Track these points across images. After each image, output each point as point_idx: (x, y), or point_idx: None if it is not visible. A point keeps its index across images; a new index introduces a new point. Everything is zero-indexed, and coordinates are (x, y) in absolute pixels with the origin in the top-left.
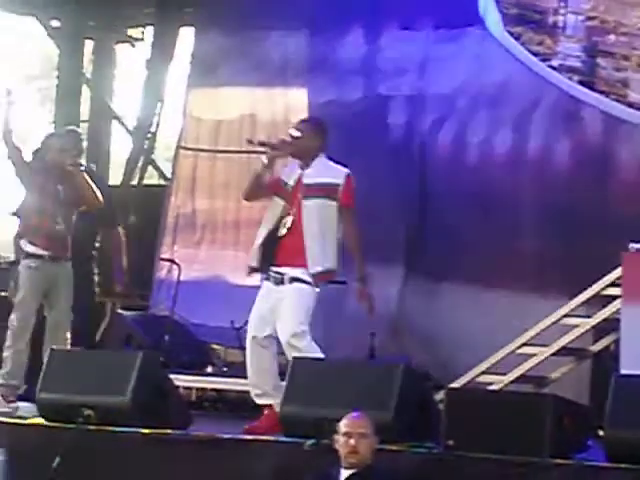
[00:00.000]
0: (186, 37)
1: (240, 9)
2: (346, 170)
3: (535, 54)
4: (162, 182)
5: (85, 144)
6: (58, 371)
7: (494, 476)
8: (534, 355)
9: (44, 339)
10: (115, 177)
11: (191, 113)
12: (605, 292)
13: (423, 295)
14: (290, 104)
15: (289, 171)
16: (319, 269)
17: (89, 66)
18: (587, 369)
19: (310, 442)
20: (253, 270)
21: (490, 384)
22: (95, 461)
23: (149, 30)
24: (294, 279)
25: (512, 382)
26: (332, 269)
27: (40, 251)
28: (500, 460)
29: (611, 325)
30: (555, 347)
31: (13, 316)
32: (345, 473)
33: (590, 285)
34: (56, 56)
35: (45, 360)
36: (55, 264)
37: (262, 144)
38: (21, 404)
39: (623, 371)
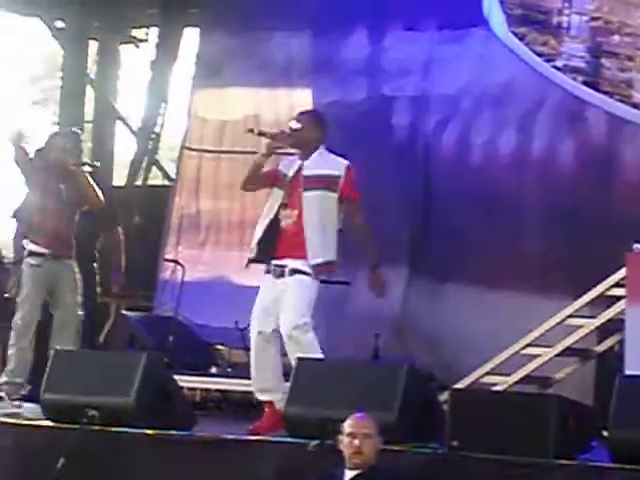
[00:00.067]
0: (190, 38)
1: (244, 10)
2: (346, 162)
3: (539, 54)
4: (166, 183)
5: (89, 145)
6: (62, 372)
7: (498, 477)
8: (538, 356)
9: (50, 338)
10: (119, 177)
11: (196, 114)
12: (609, 293)
13: (427, 296)
14: (294, 105)
15: (288, 162)
16: (319, 261)
17: (93, 67)
18: (591, 370)
19: (314, 443)
20: (252, 261)
21: (494, 385)
22: (99, 462)
23: (153, 31)
24: (295, 271)
25: (516, 383)
26: (332, 261)
27: (42, 249)
28: (504, 461)
29: (615, 326)
30: (559, 348)
31: (17, 314)
32: (349, 474)
33: (594, 286)
34: (60, 57)
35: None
36: (57, 262)
37: (262, 134)
38: (25, 405)
39: (627, 372)
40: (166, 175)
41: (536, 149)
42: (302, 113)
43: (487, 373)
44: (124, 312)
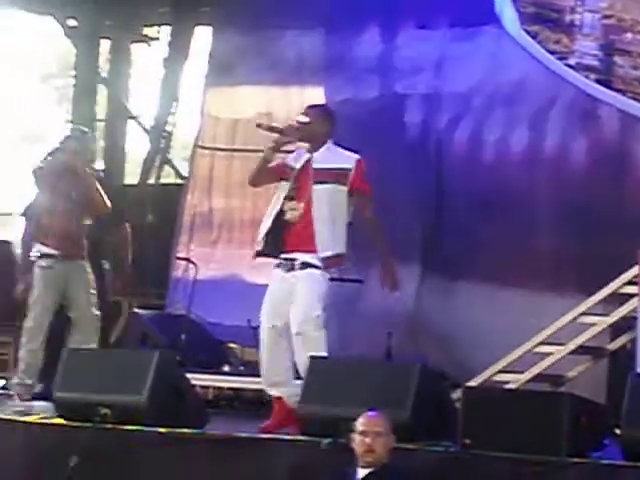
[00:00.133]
0: (201, 36)
1: (256, 8)
2: (356, 155)
3: (552, 52)
4: (179, 181)
5: (102, 143)
6: (75, 370)
7: (511, 475)
8: (551, 354)
9: (64, 339)
10: (132, 176)
11: (208, 112)
12: (622, 290)
13: (439, 293)
14: (306, 103)
15: (296, 156)
16: (329, 254)
17: (105, 65)
18: (604, 368)
19: (327, 441)
20: (259, 254)
21: (507, 383)
22: (111, 460)
23: (165, 29)
24: (305, 264)
25: (529, 381)
26: (342, 253)
27: (52, 250)
28: (517, 459)
29: (628, 323)
30: (572, 346)
31: (28, 316)
32: (361, 472)
33: (607, 283)
34: (73, 55)
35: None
36: (68, 263)
37: (270, 129)
38: (38, 403)
39: None
40: (178, 173)
41: (548, 147)
42: (310, 107)
43: (499, 371)
44: (136, 310)
